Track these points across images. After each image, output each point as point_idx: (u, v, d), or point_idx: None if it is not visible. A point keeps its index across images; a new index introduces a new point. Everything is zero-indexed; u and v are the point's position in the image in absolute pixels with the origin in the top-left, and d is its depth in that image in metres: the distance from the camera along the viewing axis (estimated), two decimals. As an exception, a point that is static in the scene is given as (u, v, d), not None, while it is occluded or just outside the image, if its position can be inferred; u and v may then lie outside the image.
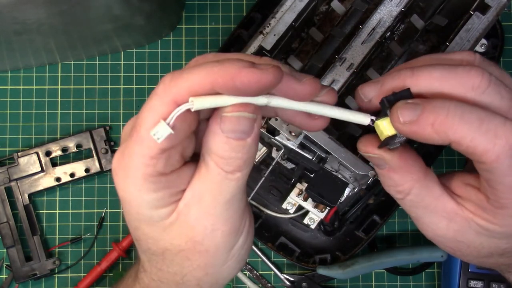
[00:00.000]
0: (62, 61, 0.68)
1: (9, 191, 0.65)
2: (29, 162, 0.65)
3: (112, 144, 0.67)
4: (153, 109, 0.29)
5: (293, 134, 0.49)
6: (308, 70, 0.53)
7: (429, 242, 0.40)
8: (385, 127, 0.33)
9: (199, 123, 0.31)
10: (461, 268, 0.62)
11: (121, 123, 0.68)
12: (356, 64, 0.49)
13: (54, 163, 0.66)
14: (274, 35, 0.50)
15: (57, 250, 0.66)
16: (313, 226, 0.61)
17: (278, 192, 0.63)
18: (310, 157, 0.51)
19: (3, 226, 0.64)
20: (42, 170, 0.65)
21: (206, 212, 0.32)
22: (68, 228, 0.67)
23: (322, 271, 0.63)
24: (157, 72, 0.69)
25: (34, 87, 0.68)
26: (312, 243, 0.65)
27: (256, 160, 0.56)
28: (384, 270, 0.66)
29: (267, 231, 0.64)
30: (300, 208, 0.60)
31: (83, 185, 0.67)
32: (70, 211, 0.67)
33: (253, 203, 0.62)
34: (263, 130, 0.52)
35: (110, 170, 0.67)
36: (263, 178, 0.57)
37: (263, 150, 0.57)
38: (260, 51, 0.50)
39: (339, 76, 0.49)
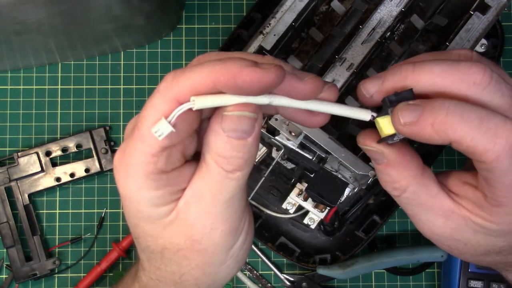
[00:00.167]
0: (62, 61, 0.68)
1: (9, 191, 0.65)
2: (29, 162, 0.65)
3: (112, 144, 0.67)
4: (155, 107, 0.29)
5: (293, 134, 0.49)
6: (308, 70, 0.53)
7: (429, 242, 0.40)
8: (385, 126, 0.33)
9: (201, 122, 0.31)
10: (461, 268, 0.62)
11: (121, 123, 0.68)
12: (356, 64, 0.49)
13: (54, 163, 0.66)
14: (274, 35, 0.50)
15: (57, 250, 0.66)
16: (313, 226, 0.61)
17: (278, 192, 0.63)
18: (310, 157, 0.51)
19: (3, 226, 0.64)
20: (42, 170, 0.65)
21: (206, 211, 0.32)
22: (68, 228, 0.67)
23: (322, 271, 0.63)
24: (157, 72, 0.69)
25: (34, 87, 0.68)
26: (312, 243, 0.65)
27: (256, 160, 0.56)
28: (384, 270, 0.66)
29: (267, 231, 0.64)
30: (300, 208, 0.60)
31: (83, 185, 0.67)
32: (70, 211, 0.67)
33: (253, 203, 0.62)
34: (263, 130, 0.52)
35: (110, 170, 0.67)
36: (263, 178, 0.57)
37: (263, 150, 0.57)
38: (260, 51, 0.50)
39: (339, 76, 0.49)
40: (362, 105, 0.35)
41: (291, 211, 0.61)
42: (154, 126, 0.29)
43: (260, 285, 0.67)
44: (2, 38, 0.58)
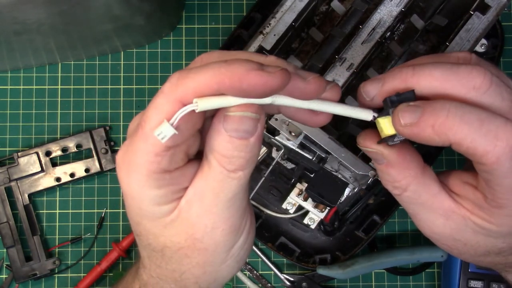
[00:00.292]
0: (62, 61, 0.68)
1: (9, 191, 0.65)
2: (29, 162, 0.65)
3: (112, 144, 0.67)
4: (159, 108, 0.29)
5: (293, 134, 0.49)
6: (308, 70, 0.53)
7: (429, 242, 0.40)
8: (386, 126, 0.33)
9: (205, 121, 0.32)
10: (461, 268, 0.62)
11: (121, 123, 0.68)
12: (356, 64, 0.49)
13: (54, 163, 0.66)
14: (274, 35, 0.50)
15: (57, 250, 0.66)
16: (313, 226, 0.61)
17: (278, 192, 0.63)
18: (310, 157, 0.51)
19: (3, 226, 0.64)
20: (42, 170, 0.65)
21: (207, 210, 0.32)
22: (68, 228, 0.67)
23: (322, 271, 0.63)
24: (157, 72, 0.69)
25: (34, 87, 0.68)
26: (312, 243, 0.65)
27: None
28: (384, 270, 0.66)
29: (267, 231, 0.64)
30: (300, 208, 0.60)
31: (83, 185, 0.67)
32: (70, 211, 0.67)
33: (253, 203, 0.62)
34: (263, 131, 0.52)
35: (110, 170, 0.67)
36: (263, 178, 0.57)
37: (263, 150, 0.57)
38: (260, 51, 0.50)
39: (339, 76, 0.49)
40: (363, 106, 0.35)
41: (291, 211, 0.61)
42: (157, 128, 0.29)
43: (260, 285, 0.67)
44: (2, 38, 0.58)
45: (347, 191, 0.53)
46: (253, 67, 0.28)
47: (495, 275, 0.59)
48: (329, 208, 0.59)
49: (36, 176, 0.65)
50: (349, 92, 0.51)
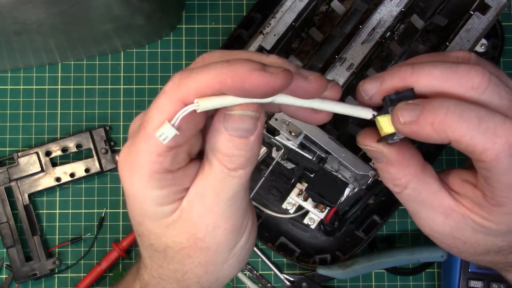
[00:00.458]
0: (62, 61, 0.68)
1: (9, 191, 0.65)
2: (29, 162, 0.65)
3: (112, 144, 0.67)
4: (161, 108, 0.29)
5: (293, 134, 0.49)
6: (308, 70, 0.53)
7: (429, 242, 0.40)
8: (385, 125, 0.34)
9: (206, 121, 0.32)
10: (461, 268, 0.62)
11: (121, 123, 0.68)
12: (356, 64, 0.49)
13: (54, 163, 0.66)
14: (274, 35, 0.50)
15: (57, 250, 0.66)
16: (313, 226, 0.61)
17: (278, 192, 0.63)
18: (310, 157, 0.51)
19: (3, 226, 0.64)
20: (42, 170, 0.65)
21: (209, 209, 0.32)
22: (68, 228, 0.67)
23: (322, 271, 0.63)
24: (157, 72, 0.69)
25: (34, 87, 0.68)
26: (312, 243, 0.65)
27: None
28: (384, 270, 0.66)
29: (267, 231, 0.64)
30: (300, 208, 0.60)
31: (83, 185, 0.67)
32: (70, 211, 0.67)
33: (253, 203, 0.62)
34: (263, 130, 0.52)
35: (110, 170, 0.67)
36: (263, 178, 0.57)
37: (263, 150, 0.57)
38: (260, 51, 0.51)
39: (339, 76, 0.49)
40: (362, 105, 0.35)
41: (291, 211, 0.61)
42: (158, 130, 0.29)
43: (260, 285, 0.67)
44: (2, 38, 0.58)
45: (347, 191, 0.53)
46: (255, 67, 0.28)
47: (495, 275, 0.59)
48: (329, 208, 0.59)
49: (36, 176, 0.65)
50: (349, 92, 0.51)
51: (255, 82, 0.28)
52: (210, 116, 0.32)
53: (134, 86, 0.68)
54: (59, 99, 0.68)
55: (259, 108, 0.30)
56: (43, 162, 0.65)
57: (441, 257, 0.63)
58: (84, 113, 0.68)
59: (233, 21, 0.69)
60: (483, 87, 0.32)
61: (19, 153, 0.65)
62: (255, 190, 0.57)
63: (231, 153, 0.30)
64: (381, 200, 0.63)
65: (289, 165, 0.59)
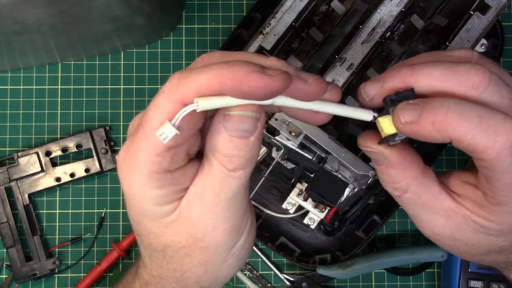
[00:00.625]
0: (62, 61, 0.68)
1: (9, 191, 0.65)
2: (29, 162, 0.65)
3: (112, 144, 0.67)
4: (160, 108, 0.29)
5: (293, 134, 0.49)
6: (308, 70, 0.53)
7: (429, 242, 0.40)
8: (386, 125, 0.33)
9: (205, 121, 0.32)
10: (461, 268, 0.62)
11: (121, 123, 0.68)
12: (356, 64, 0.49)
13: (54, 163, 0.66)
14: (274, 35, 0.50)
15: (57, 250, 0.66)
16: (313, 226, 0.61)
17: (278, 192, 0.63)
18: (310, 157, 0.51)
19: (3, 226, 0.64)
20: (42, 170, 0.65)
21: (208, 209, 0.32)
22: (68, 228, 0.67)
23: (322, 271, 0.63)
24: (157, 72, 0.69)
25: (34, 87, 0.68)
26: (312, 243, 0.65)
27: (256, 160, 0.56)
28: (384, 270, 0.66)
29: (267, 231, 0.64)
30: (300, 208, 0.60)
31: (83, 185, 0.67)
32: (70, 211, 0.67)
33: (253, 203, 0.62)
34: (263, 130, 0.52)
35: (110, 170, 0.67)
36: (263, 178, 0.57)
37: (263, 150, 0.57)
38: (260, 51, 0.51)
39: (339, 76, 0.49)
40: (363, 107, 0.35)
41: (291, 211, 0.61)
42: (159, 129, 0.29)
43: (260, 285, 0.67)
44: (2, 38, 0.58)
45: (347, 191, 0.53)
46: (254, 69, 0.28)
47: (495, 275, 0.59)
48: (329, 208, 0.59)
49: (36, 176, 0.65)
50: (349, 92, 0.51)
51: (254, 84, 0.28)
52: (209, 116, 0.32)
53: (134, 86, 0.68)
54: (59, 99, 0.68)
55: (259, 108, 0.30)
56: (43, 162, 0.65)
57: (441, 257, 0.63)
58: (84, 113, 0.68)
59: (233, 21, 0.69)
60: (483, 86, 0.32)
61: (19, 153, 0.65)
62: (255, 190, 0.57)
63: (231, 154, 0.30)
64: (381, 200, 0.63)
65: (289, 165, 0.59)
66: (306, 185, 0.55)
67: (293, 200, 0.60)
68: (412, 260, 0.64)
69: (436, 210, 0.36)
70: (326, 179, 0.51)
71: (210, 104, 0.29)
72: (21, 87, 0.68)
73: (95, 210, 0.67)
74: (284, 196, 0.61)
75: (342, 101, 0.52)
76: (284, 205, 0.60)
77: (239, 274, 0.66)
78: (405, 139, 0.35)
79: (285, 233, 0.64)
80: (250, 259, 0.67)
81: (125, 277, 0.43)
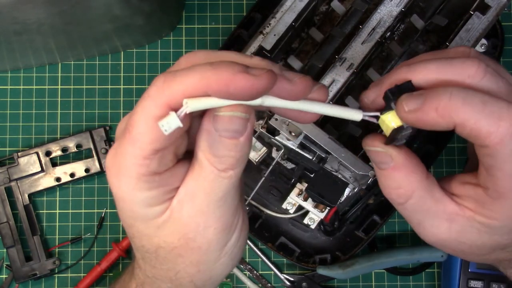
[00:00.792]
0: (62, 61, 0.68)
1: (9, 191, 0.65)
2: (29, 162, 0.65)
3: (112, 144, 0.67)
4: (146, 112, 0.29)
5: (293, 134, 0.49)
6: (308, 70, 0.53)
7: (429, 242, 0.40)
8: (390, 120, 0.33)
9: (192, 121, 0.32)
10: (461, 268, 0.62)
11: (121, 123, 0.68)
12: (356, 64, 0.49)
13: (54, 163, 0.66)
14: (274, 35, 0.50)
15: (57, 250, 0.66)
16: (313, 226, 0.61)
17: (278, 192, 0.63)
18: (310, 157, 0.51)
19: (3, 226, 0.64)
20: (42, 170, 0.65)
21: (199, 209, 0.32)
22: (68, 228, 0.67)
23: (322, 271, 0.63)
24: (157, 72, 0.69)
25: (34, 87, 0.68)
26: (312, 243, 0.65)
27: (256, 160, 0.56)
28: (384, 270, 0.66)
29: (267, 231, 0.64)
30: (300, 208, 0.60)
31: (83, 185, 0.67)
32: (70, 211, 0.67)
33: (253, 203, 0.62)
34: (263, 130, 0.52)
35: (110, 170, 0.67)
36: (263, 178, 0.57)
37: (263, 150, 0.57)
38: (260, 51, 0.51)
39: (339, 76, 0.49)
40: (365, 110, 0.35)
41: (291, 211, 0.61)
42: (162, 120, 0.28)
43: (260, 285, 0.67)
44: (2, 38, 0.58)
45: (347, 191, 0.53)
46: (239, 70, 0.28)
47: (495, 275, 0.59)
48: (329, 208, 0.59)
49: (36, 176, 0.65)
50: (349, 92, 0.51)
51: (239, 85, 0.28)
52: (196, 116, 0.31)
53: (134, 86, 0.68)
54: (59, 99, 0.68)
55: (248, 109, 0.30)
56: (43, 162, 0.65)
57: (441, 257, 0.63)
58: (84, 113, 0.68)
59: (233, 21, 0.69)
60: (479, 77, 0.32)
61: (19, 153, 0.65)
62: (255, 190, 0.57)
63: (221, 154, 0.30)
64: (381, 200, 0.63)
65: (289, 165, 0.59)
66: (306, 185, 0.55)
67: (293, 200, 0.60)
68: (412, 260, 0.64)
69: (440, 215, 0.36)
70: (326, 179, 0.51)
71: (200, 104, 0.29)
72: (21, 87, 0.68)
73: (95, 210, 0.67)
74: (284, 196, 0.61)
75: (342, 101, 0.53)
76: (284, 205, 0.60)
77: (239, 274, 0.66)
78: (410, 136, 0.35)
79: (285, 233, 0.64)
80: (250, 259, 0.67)
81: (122, 277, 0.43)
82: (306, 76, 0.31)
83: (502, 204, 0.33)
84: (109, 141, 0.67)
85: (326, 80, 0.49)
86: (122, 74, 0.69)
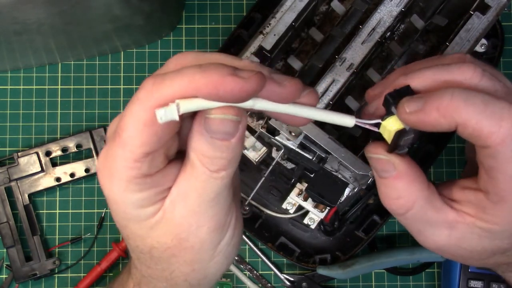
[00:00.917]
0: (62, 61, 0.68)
1: (9, 191, 0.65)
2: (29, 162, 0.65)
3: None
4: (135, 115, 0.29)
5: (293, 134, 0.49)
6: (308, 70, 0.53)
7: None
8: (391, 124, 0.33)
9: (182, 122, 0.32)
10: (461, 268, 0.62)
11: (121, 123, 0.68)
12: (356, 64, 0.49)
13: (54, 163, 0.66)
14: (274, 35, 0.50)
15: (57, 250, 0.66)
16: (313, 226, 0.61)
17: (278, 192, 0.63)
18: (310, 157, 0.51)
19: (3, 226, 0.64)
20: (42, 170, 0.65)
21: (191, 209, 0.32)
22: (68, 228, 0.67)
23: (322, 271, 0.63)
24: (157, 72, 0.68)
25: (34, 87, 0.68)
26: (312, 243, 0.65)
27: (256, 160, 0.56)
28: (384, 270, 0.66)
29: (267, 231, 0.64)
30: (300, 208, 0.60)
31: (83, 185, 0.67)
32: (70, 211, 0.67)
33: (253, 203, 0.62)
34: (263, 130, 0.52)
35: (110, 170, 0.67)
36: (263, 178, 0.57)
37: (263, 150, 0.57)
38: (260, 51, 0.51)
39: (339, 76, 0.49)
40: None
41: (291, 211, 0.61)
42: (160, 109, 0.28)
43: (260, 285, 0.67)
44: (2, 38, 0.58)
45: (347, 191, 0.53)
46: (228, 72, 0.28)
47: (495, 275, 0.59)
48: (329, 208, 0.59)
49: (36, 176, 0.65)
50: (349, 92, 0.51)
51: (228, 88, 0.28)
52: (187, 117, 0.31)
53: (134, 86, 0.68)
54: (59, 99, 0.68)
55: (239, 111, 0.29)
56: (43, 162, 0.65)
57: (441, 257, 0.63)
58: (84, 113, 0.68)
59: (233, 21, 0.69)
60: (476, 80, 0.33)
61: (19, 153, 0.65)
62: (255, 190, 0.57)
63: (213, 155, 0.30)
64: (381, 200, 0.63)
65: (289, 165, 0.59)
66: (306, 185, 0.55)
67: (293, 200, 0.60)
68: (412, 260, 0.64)
69: (440, 224, 0.36)
70: (326, 179, 0.51)
71: (192, 106, 0.29)
72: (21, 87, 0.68)
73: (95, 210, 0.67)
74: (284, 196, 0.61)
75: (342, 101, 0.53)
76: (284, 205, 0.60)
77: (239, 274, 0.66)
78: (413, 140, 0.35)
79: (285, 233, 0.64)
80: (250, 259, 0.67)
81: (120, 276, 0.43)
82: (296, 79, 0.31)
83: (503, 208, 0.33)
84: (109, 141, 0.67)
85: (326, 80, 0.49)
86: (122, 74, 0.69)
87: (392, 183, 0.35)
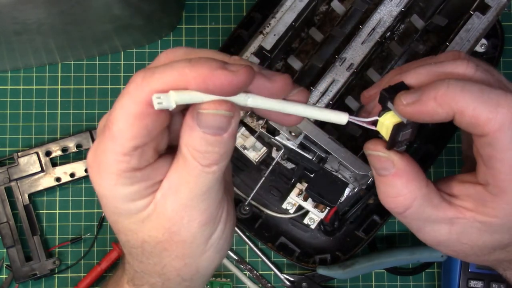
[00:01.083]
0: (62, 61, 0.68)
1: (9, 191, 0.65)
2: (29, 162, 0.65)
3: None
4: (125, 109, 0.29)
5: (293, 134, 0.49)
6: (308, 70, 0.53)
7: (429, 242, 0.40)
8: (388, 119, 0.34)
9: (172, 117, 0.32)
10: (461, 268, 0.62)
11: (121, 123, 0.68)
12: (356, 64, 0.49)
13: (54, 163, 0.66)
14: (274, 35, 0.50)
15: (57, 250, 0.66)
16: (313, 226, 0.61)
17: (278, 192, 0.63)
18: (310, 157, 0.51)
19: (3, 226, 0.64)
20: (42, 170, 0.65)
21: (183, 203, 0.32)
22: (68, 228, 0.67)
23: (322, 271, 0.63)
24: (157, 72, 0.68)
25: (34, 87, 0.68)
26: (312, 243, 0.65)
27: (256, 160, 0.57)
28: (384, 270, 0.66)
29: (267, 231, 0.64)
30: (300, 208, 0.60)
31: (83, 185, 0.67)
32: (70, 211, 0.67)
33: (253, 203, 0.62)
34: (263, 130, 0.52)
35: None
36: (263, 178, 0.57)
37: (263, 150, 0.57)
38: (260, 51, 0.51)
39: (339, 76, 0.49)
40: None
41: (291, 211, 0.61)
42: (159, 94, 0.28)
43: (260, 285, 0.67)
44: (2, 38, 0.58)
45: (347, 191, 0.53)
46: (217, 66, 0.28)
47: (495, 275, 0.59)
48: (329, 208, 0.59)
49: (36, 176, 0.65)
50: (349, 92, 0.51)
51: (218, 82, 0.28)
52: (178, 112, 0.32)
53: (134, 86, 0.68)
54: (59, 99, 0.68)
55: (232, 106, 0.30)
56: (43, 162, 0.65)
57: (441, 257, 0.63)
58: (84, 113, 0.68)
59: (233, 21, 0.69)
60: (469, 74, 0.33)
61: (19, 153, 0.65)
62: (255, 190, 0.57)
63: (205, 150, 0.30)
64: (381, 200, 0.63)
65: (289, 165, 0.59)
66: (306, 185, 0.56)
67: (293, 200, 0.60)
68: (412, 260, 0.64)
69: (440, 220, 0.36)
70: (326, 179, 0.51)
71: (184, 97, 0.29)
72: (21, 87, 0.68)
73: (95, 210, 0.67)
74: (284, 196, 0.61)
75: (342, 101, 0.53)
76: (284, 205, 0.60)
77: (239, 274, 0.66)
78: (410, 141, 0.35)
79: (285, 233, 0.64)
80: (250, 259, 0.67)
81: (116, 272, 0.43)
82: (285, 74, 0.31)
83: (503, 200, 0.33)
84: (109, 141, 0.67)
85: (326, 80, 0.49)
86: (122, 74, 0.69)
87: (391, 181, 0.35)
